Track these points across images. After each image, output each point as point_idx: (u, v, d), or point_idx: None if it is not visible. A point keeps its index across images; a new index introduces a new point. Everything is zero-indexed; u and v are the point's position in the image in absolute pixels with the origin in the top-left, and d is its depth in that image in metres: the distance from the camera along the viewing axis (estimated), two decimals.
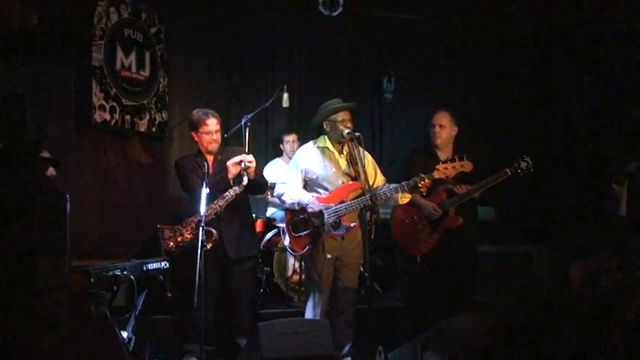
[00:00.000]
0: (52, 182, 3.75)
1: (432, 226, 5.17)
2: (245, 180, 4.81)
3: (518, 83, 7.13)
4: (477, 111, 7.37)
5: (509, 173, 5.00)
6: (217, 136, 5.07)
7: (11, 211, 2.86)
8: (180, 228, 4.85)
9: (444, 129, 5.34)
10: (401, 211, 5.34)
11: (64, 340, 2.95)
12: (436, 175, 4.68)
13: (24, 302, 2.82)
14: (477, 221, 5.47)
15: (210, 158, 5.08)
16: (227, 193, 4.83)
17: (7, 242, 2.82)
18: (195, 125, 5.05)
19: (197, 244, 4.39)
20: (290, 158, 6.53)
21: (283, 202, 4.89)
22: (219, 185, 4.84)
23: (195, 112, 5.13)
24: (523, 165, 5.00)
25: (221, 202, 4.82)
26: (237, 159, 4.81)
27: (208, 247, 4.64)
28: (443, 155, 5.28)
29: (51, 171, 3.98)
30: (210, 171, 4.96)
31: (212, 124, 5.03)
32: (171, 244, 4.84)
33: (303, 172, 4.86)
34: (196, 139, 5.09)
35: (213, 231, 4.76)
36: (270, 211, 6.45)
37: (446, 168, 4.68)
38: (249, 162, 4.81)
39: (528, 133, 6.84)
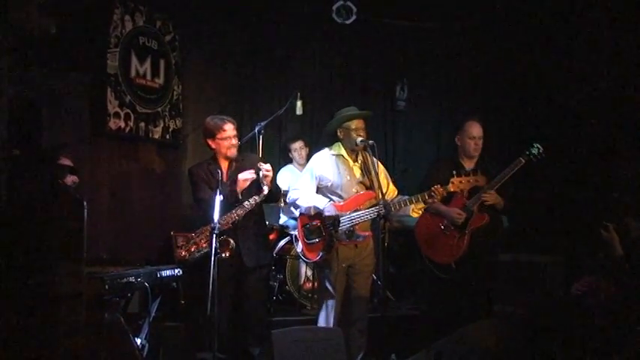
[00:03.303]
0: (70, 189, 3.78)
1: (460, 230, 5.07)
2: (265, 189, 4.75)
3: (532, 91, 7.10)
4: (493, 119, 7.35)
5: (524, 161, 5.00)
6: (236, 141, 4.99)
7: (29, 218, 2.88)
8: (194, 236, 4.78)
9: (482, 140, 5.27)
10: (424, 223, 5.28)
11: (80, 346, 2.96)
12: (451, 188, 4.68)
13: (42, 309, 2.84)
14: (502, 230, 5.44)
15: (224, 165, 5.00)
16: (247, 203, 4.75)
17: (26, 249, 2.84)
18: (212, 132, 4.95)
19: (210, 252, 4.38)
20: (300, 165, 6.56)
21: (298, 206, 4.86)
22: (232, 197, 4.80)
23: (209, 119, 5.04)
24: (535, 151, 5.01)
25: (240, 212, 4.75)
26: (247, 175, 4.77)
27: (226, 256, 4.60)
28: (468, 165, 5.25)
29: (71, 178, 4.01)
30: (224, 178, 4.91)
31: (230, 129, 4.95)
32: (184, 252, 4.79)
33: (317, 180, 4.86)
34: (214, 146, 4.98)
35: (231, 240, 4.69)
36: (283, 219, 6.46)
37: (460, 182, 4.69)
38: (267, 171, 4.76)
39: (543, 141, 6.80)
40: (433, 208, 5.13)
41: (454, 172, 4.75)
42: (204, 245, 4.71)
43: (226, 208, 4.71)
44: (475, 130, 5.26)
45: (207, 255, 4.49)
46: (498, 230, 5.32)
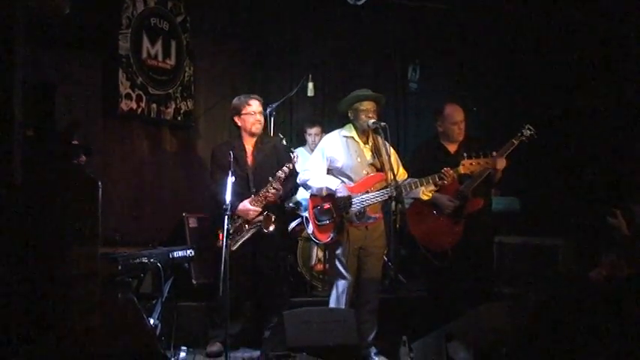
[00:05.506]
0: (85, 169, 3.79)
1: (454, 216, 5.02)
2: (295, 157, 4.88)
3: (544, 72, 7.05)
4: (503, 100, 7.32)
5: (516, 143, 4.95)
6: (261, 118, 5.09)
7: (44, 199, 2.89)
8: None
9: (464, 122, 5.20)
10: (416, 212, 5.12)
11: (94, 326, 2.99)
12: (461, 170, 4.66)
13: (58, 290, 2.87)
14: (491, 211, 5.42)
15: (250, 144, 5.10)
16: (279, 172, 4.85)
17: (42, 230, 2.86)
18: (238, 108, 5.08)
19: (223, 232, 4.43)
20: (312, 150, 6.54)
21: (309, 187, 4.86)
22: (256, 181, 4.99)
23: (236, 98, 5.18)
24: (526, 133, 4.97)
25: (275, 185, 4.86)
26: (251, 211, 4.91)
27: (270, 230, 4.85)
28: (452, 148, 5.19)
29: (82, 158, 4.02)
30: (249, 160, 5.03)
31: (255, 104, 5.08)
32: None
33: (328, 161, 4.86)
34: (240, 123, 5.09)
35: (272, 215, 4.87)
36: (300, 196, 6.37)
37: (471, 164, 4.65)
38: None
39: (553, 124, 6.76)
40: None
41: (464, 155, 4.72)
42: (245, 227, 4.90)
43: (243, 189, 4.90)
44: (457, 114, 5.17)
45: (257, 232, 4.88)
46: (489, 211, 5.29)
